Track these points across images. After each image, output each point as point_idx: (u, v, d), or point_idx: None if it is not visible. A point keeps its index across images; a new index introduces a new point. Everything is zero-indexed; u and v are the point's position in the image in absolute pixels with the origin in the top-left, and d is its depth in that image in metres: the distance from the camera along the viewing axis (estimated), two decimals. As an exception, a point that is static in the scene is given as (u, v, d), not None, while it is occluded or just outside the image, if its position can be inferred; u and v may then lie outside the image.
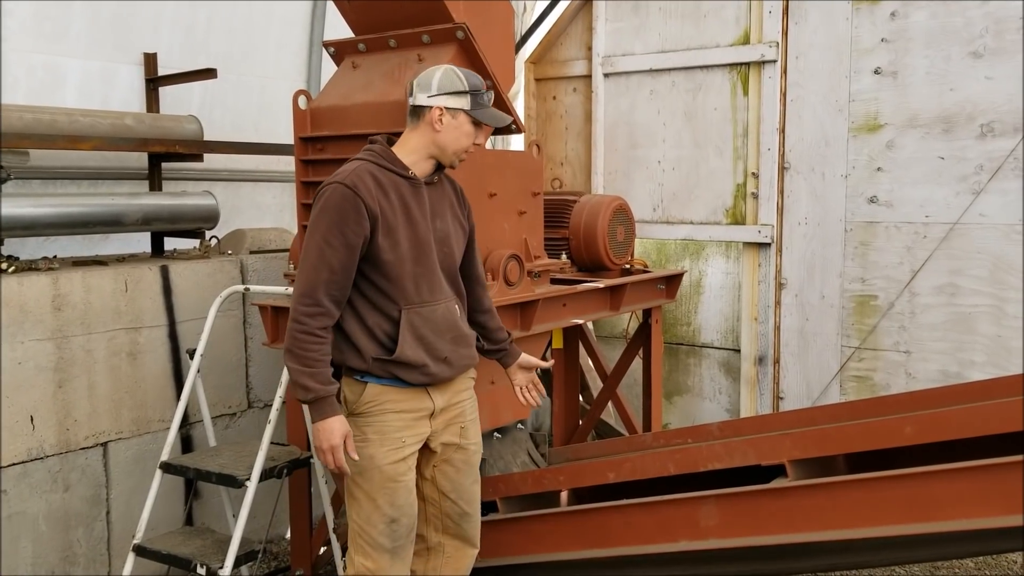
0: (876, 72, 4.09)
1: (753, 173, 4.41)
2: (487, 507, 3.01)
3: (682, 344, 4.64)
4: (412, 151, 2.43)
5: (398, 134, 2.52)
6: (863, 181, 4.14)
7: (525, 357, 2.76)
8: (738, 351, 4.48)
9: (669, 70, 4.60)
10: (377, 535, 2.41)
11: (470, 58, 3.15)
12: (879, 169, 4.10)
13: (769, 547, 2.52)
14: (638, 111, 4.74)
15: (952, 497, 2.26)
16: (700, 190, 4.59)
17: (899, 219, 4.07)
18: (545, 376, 4.21)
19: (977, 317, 3.89)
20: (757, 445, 2.59)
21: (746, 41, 4.40)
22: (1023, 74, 3.74)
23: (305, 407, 2.89)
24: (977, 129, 3.87)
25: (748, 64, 4.39)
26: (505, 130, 2.62)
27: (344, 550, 3.29)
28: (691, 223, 4.61)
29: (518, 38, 5.20)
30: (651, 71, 4.68)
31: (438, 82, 2.40)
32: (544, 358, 3.23)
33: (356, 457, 2.36)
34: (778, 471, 2.57)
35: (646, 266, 4.32)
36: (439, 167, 2.49)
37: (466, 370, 2.56)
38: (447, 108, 2.38)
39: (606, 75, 4.81)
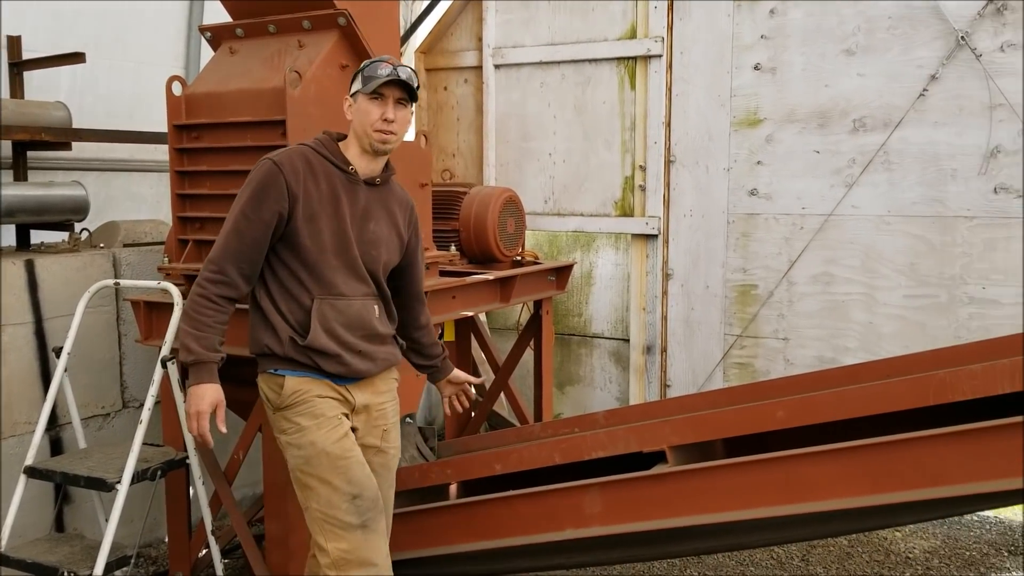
0: (756, 68, 4.21)
1: (641, 166, 4.48)
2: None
3: (574, 335, 4.69)
4: (349, 147, 2.42)
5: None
6: (744, 174, 4.26)
7: (456, 373, 2.77)
8: (627, 341, 4.56)
9: (559, 63, 4.63)
10: (343, 515, 2.31)
11: (352, 45, 3.09)
12: (759, 163, 4.23)
13: (651, 532, 2.56)
14: (529, 103, 4.75)
15: (821, 478, 2.34)
16: (590, 182, 4.64)
17: (778, 211, 4.21)
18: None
19: (850, 305, 4.06)
20: (639, 433, 2.63)
21: (633, 36, 4.46)
22: (891, 71, 3.92)
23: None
24: (850, 124, 4.03)
25: (635, 58, 4.46)
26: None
27: (224, 552, 3.19)
28: (581, 215, 4.66)
29: (407, 27, 5.14)
30: (541, 63, 4.69)
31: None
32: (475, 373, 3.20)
33: (224, 429, 2.29)
34: (660, 457, 2.62)
35: (537, 258, 4.34)
36: (388, 168, 2.47)
37: (387, 368, 2.50)
38: (350, 96, 2.40)
39: (497, 66, 4.80)
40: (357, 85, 2.36)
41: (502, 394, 4.17)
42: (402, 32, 5.14)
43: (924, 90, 3.87)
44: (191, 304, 2.29)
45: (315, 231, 2.31)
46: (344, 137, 2.44)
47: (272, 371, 2.36)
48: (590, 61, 4.57)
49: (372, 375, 2.44)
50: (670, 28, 4.36)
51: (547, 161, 4.72)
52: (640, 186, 4.49)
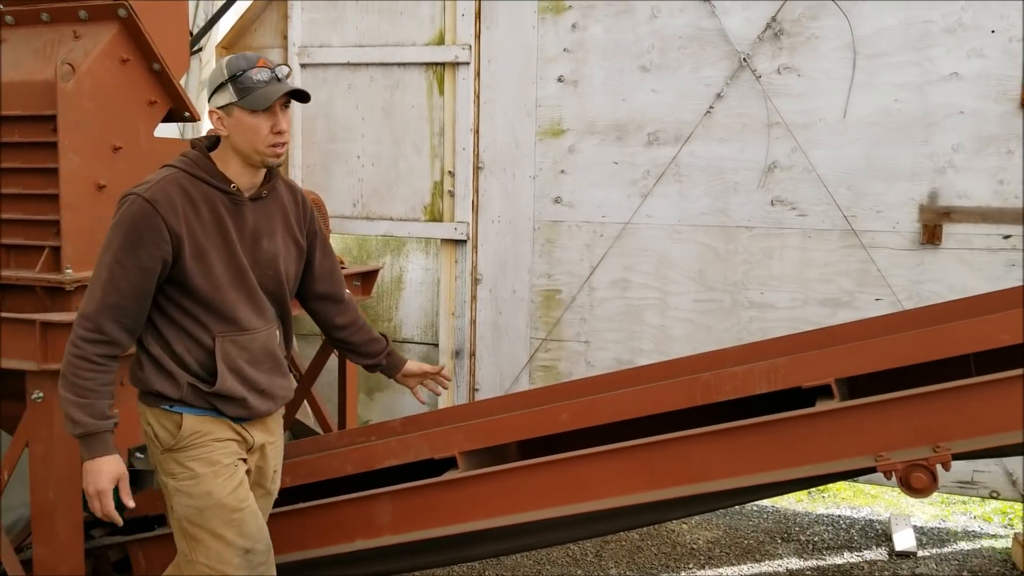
0: (560, 80, 4.34)
1: (450, 171, 4.51)
2: (144, 524, 2.84)
3: (382, 340, 4.68)
4: (226, 160, 2.14)
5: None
6: (549, 182, 4.39)
7: (410, 366, 2.65)
8: (437, 345, 4.58)
9: (367, 65, 4.58)
10: (233, 570, 2.13)
11: (134, 39, 2.93)
12: (563, 172, 4.37)
13: (444, 538, 2.58)
14: (337, 104, 4.68)
15: (602, 477, 2.44)
16: (399, 187, 4.63)
17: (580, 219, 4.35)
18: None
19: (645, 309, 4.26)
20: (431, 439, 2.65)
21: (441, 42, 4.48)
22: (682, 89, 4.15)
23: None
24: (645, 137, 4.23)
25: (443, 64, 4.49)
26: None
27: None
28: (391, 219, 4.63)
29: (207, 20, 4.93)
30: (349, 65, 4.63)
31: (208, 82, 2.15)
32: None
33: (132, 504, 2.09)
34: (453, 463, 2.64)
35: (343, 262, 4.27)
36: (270, 174, 2.23)
37: (284, 403, 2.35)
38: (218, 108, 2.10)
39: (303, 66, 4.69)
40: (228, 96, 2.06)
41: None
42: (202, 24, 4.93)
43: (711, 107, 4.12)
44: (68, 367, 2.04)
45: (206, 267, 2.09)
46: (215, 145, 2.17)
47: (167, 407, 2.15)
48: (399, 65, 4.56)
49: (271, 414, 2.30)
50: (478, 36, 4.42)
51: (355, 164, 4.66)
52: (449, 191, 4.52)
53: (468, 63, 4.42)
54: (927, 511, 4.02)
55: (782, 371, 2.32)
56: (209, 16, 4.96)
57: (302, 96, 2.14)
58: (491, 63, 4.43)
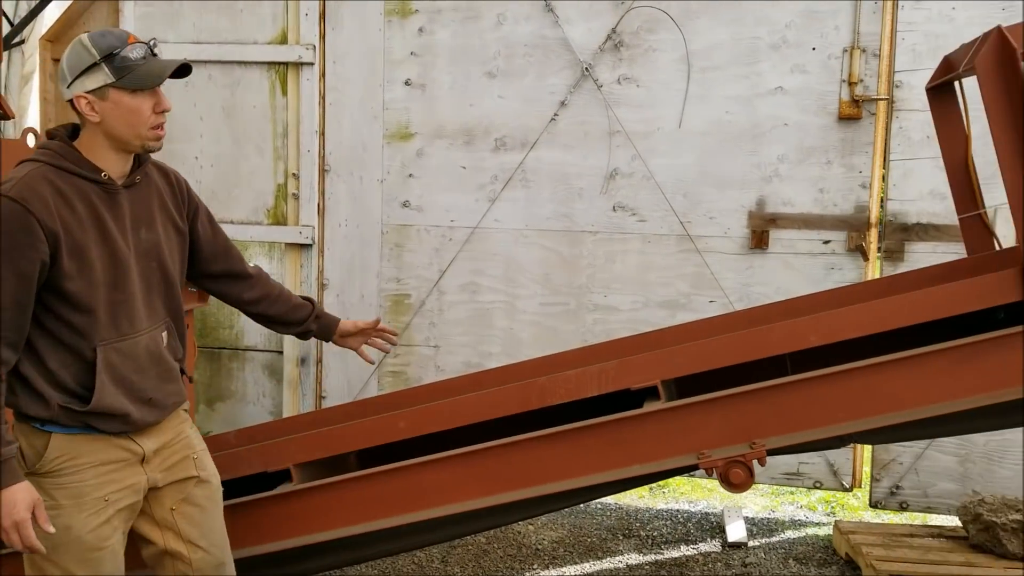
0: (407, 83, 4.31)
1: (294, 174, 4.40)
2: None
3: (224, 348, 4.50)
4: (94, 148, 1.95)
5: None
6: (397, 186, 4.35)
7: (344, 325, 2.54)
8: (281, 353, 4.46)
9: (205, 62, 4.40)
10: None
11: (-67, 27, 2.70)
12: (411, 175, 4.34)
13: (277, 553, 2.51)
14: (174, 103, 4.45)
15: (440, 484, 2.45)
16: (241, 189, 4.48)
17: (429, 223, 4.34)
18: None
19: (493, 312, 4.29)
20: (264, 452, 2.57)
21: (284, 41, 4.37)
22: (528, 96, 4.21)
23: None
24: (492, 142, 4.27)
25: (287, 64, 4.37)
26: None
27: None
28: (232, 223, 4.47)
29: (29, 9, 4.61)
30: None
31: (68, 66, 1.93)
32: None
33: (51, 530, 1.87)
34: (289, 476, 2.57)
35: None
36: (140, 158, 2.04)
37: (175, 409, 2.15)
38: (88, 92, 1.90)
39: (137, 62, 4.46)
40: (103, 78, 1.88)
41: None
42: (24, 15, 4.61)
43: (555, 115, 4.20)
44: None
45: (84, 267, 1.91)
46: (76, 133, 1.98)
47: (37, 425, 1.95)
48: (239, 63, 4.41)
49: (160, 422, 2.10)
50: (322, 37, 4.33)
51: (194, 165, 4.47)
52: (293, 194, 4.41)
53: (312, 64, 4.33)
54: (758, 502, 4.24)
55: (612, 374, 2.39)
56: (32, 6, 4.65)
57: (187, 70, 2.00)
58: (336, 64, 4.35)
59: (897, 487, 3.92)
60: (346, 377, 4.43)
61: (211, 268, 2.31)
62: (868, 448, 4.04)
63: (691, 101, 4.09)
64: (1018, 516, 3.27)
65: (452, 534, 2.98)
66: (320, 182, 4.40)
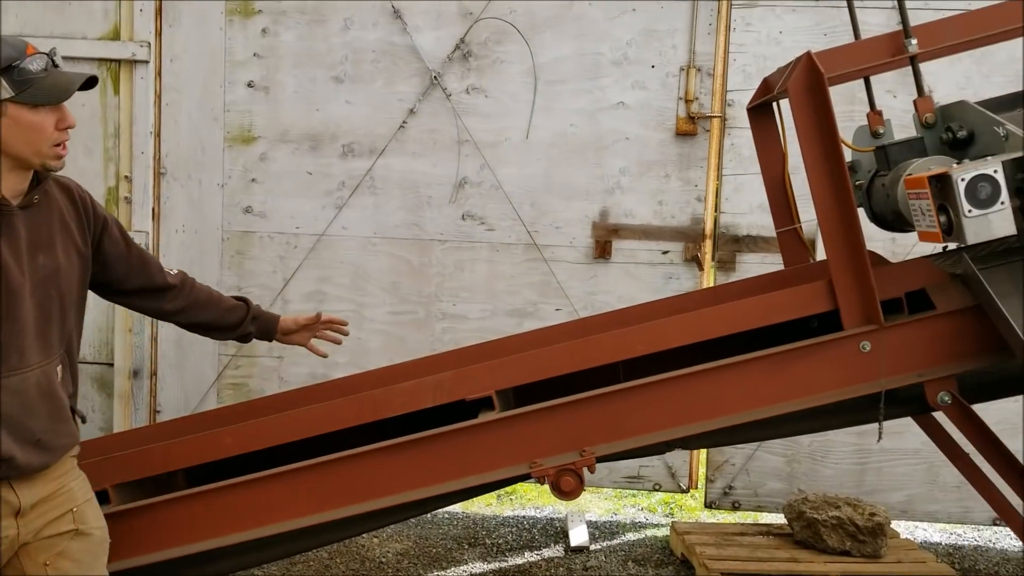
0: (250, 85, 4.18)
1: (126, 177, 4.18)
2: None
3: (48, 361, 4.23)
4: None
5: None
6: (239, 191, 4.20)
7: (285, 323, 2.42)
8: (112, 365, 4.21)
9: (27, 56, 4.11)
10: None
11: None
12: (253, 180, 4.20)
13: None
14: (-9, 98, 4.16)
15: (274, 501, 2.37)
16: (68, 191, 4.20)
17: (272, 229, 4.21)
18: None
19: (340, 322, 4.20)
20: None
21: (116, 37, 4.14)
22: (376, 102, 4.16)
23: None
24: (340, 148, 4.19)
25: (119, 61, 4.14)
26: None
27: None
28: (58, 227, 4.19)
29: None
30: (6, 54, 4.14)
31: None
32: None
33: None
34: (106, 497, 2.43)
35: None
36: (38, 176, 1.85)
37: (66, 452, 1.94)
38: None
39: (-51, 52, 4.12)
40: (1, 92, 1.73)
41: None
42: None
43: (404, 122, 4.17)
44: None
45: None
46: None
47: None
48: (66, 59, 4.13)
49: (48, 467, 1.89)
50: (158, 34, 4.14)
51: (14, 165, 4.17)
52: (126, 198, 4.18)
53: (147, 62, 4.12)
54: (602, 506, 4.35)
55: (448, 385, 2.38)
56: None
57: (94, 82, 1.88)
58: (174, 63, 4.16)
59: (730, 487, 4.10)
60: (183, 390, 4.23)
61: (127, 284, 2.17)
62: (704, 450, 4.22)
63: (538, 113, 4.15)
64: (837, 513, 3.47)
65: (290, 550, 2.89)
66: (155, 186, 4.19)
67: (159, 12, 4.14)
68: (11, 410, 1.80)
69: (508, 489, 4.28)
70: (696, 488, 4.16)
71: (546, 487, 2.29)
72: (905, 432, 3.50)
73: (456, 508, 4.10)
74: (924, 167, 2.08)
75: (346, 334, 2.57)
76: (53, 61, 1.82)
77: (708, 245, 4.14)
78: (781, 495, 4.03)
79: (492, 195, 4.18)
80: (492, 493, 4.06)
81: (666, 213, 4.15)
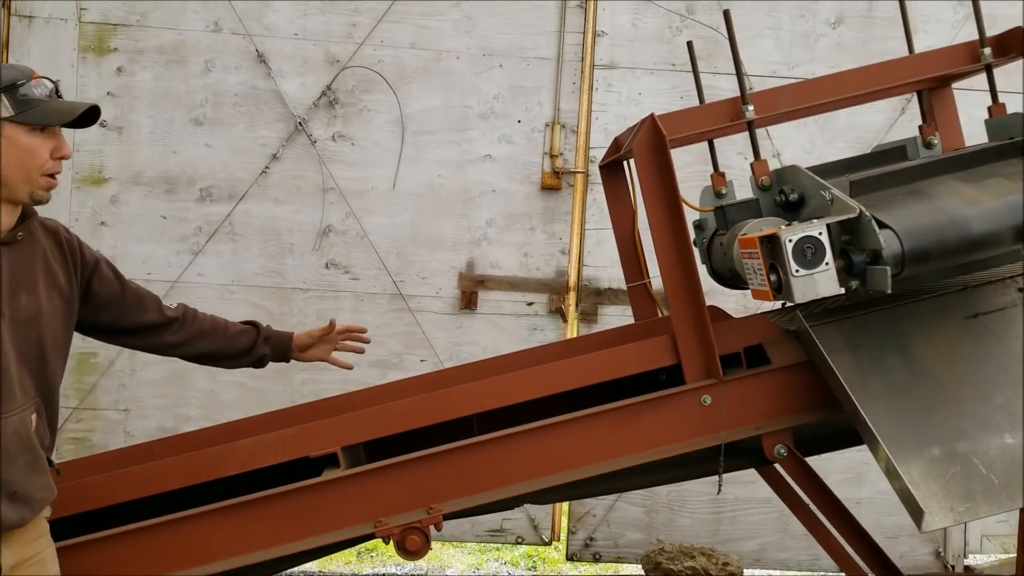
0: (102, 125, 4.00)
1: (-40, 216, 3.91)
2: None
3: None
4: None
5: None
6: (86, 234, 3.98)
7: (300, 339, 2.32)
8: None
9: None
10: None
11: None
12: (103, 223, 4.01)
13: None
14: None
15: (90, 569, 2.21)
16: None
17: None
18: None
19: (193, 373, 4.03)
20: None
21: (-46, 68, 3.90)
22: (237, 146, 4.05)
23: None
24: (197, 192, 4.05)
25: (-44, 94, 3.90)
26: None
27: None
28: None
29: None
30: None
31: None
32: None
33: None
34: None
35: None
36: (25, 212, 1.78)
37: (43, 506, 1.84)
38: None
39: None
40: (1, 110, 1.67)
41: None
42: None
43: (267, 167, 4.08)
44: None
45: None
46: None
47: None
48: None
49: (25, 523, 1.77)
50: (2, 67, 3.92)
51: None
52: (-41, 240, 3.91)
53: (-11, 96, 3.89)
54: (464, 560, 4.28)
55: (290, 442, 2.29)
56: None
57: (96, 114, 1.80)
58: (19, 98, 3.95)
59: (591, 539, 4.12)
60: (17, 446, 3.94)
61: (124, 323, 2.11)
62: (566, 503, 4.22)
63: (405, 163, 4.15)
64: (692, 563, 3.53)
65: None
66: None
67: (5, 45, 3.93)
68: None
69: (368, 545, 4.16)
70: (558, 540, 4.16)
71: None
72: (758, 481, 3.56)
73: (312, 566, 3.94)
74: (757, 227, 2.17)
75: (367, 342, 2.47)
76: (57, 91, 1.78)
77: (572, 297, 4.20)
78: (640, 545, 4.07)
79: (357, 244, 4.13)
80: (351, 549, 3.93)
81: (531, 265, 4.19)
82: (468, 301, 4.16)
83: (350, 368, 2.44)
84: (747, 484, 3.90)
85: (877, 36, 4.15)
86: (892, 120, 4.14)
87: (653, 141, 2.29)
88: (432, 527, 2.24)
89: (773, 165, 2.39)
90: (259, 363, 2.36)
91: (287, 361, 2.39)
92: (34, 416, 1.82)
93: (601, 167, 2.83)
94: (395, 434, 2.36)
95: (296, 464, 2.32)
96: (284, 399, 4.04)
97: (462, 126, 4.16)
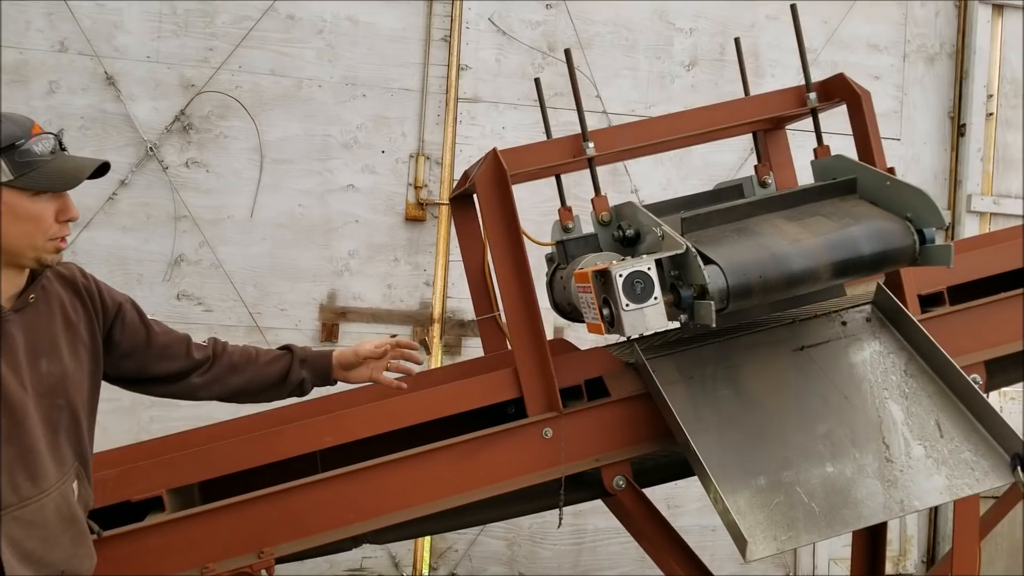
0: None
1: None
2: None
3: None
4: None
5: None
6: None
7: (343, 356, 2.05)
8: None
9: None
10: None
11: None
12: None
13: None
14: None
15: None
16: None
17: (150, 319, 3.74)
18: None
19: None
20: None
21: None
22: None
23: None
24: None
25: None
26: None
27: None
28: None
29: None
30: None
31: None
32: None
33: None
34: None
35: None
36: (34, 272, 1.64)
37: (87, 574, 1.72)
38: None
39: None
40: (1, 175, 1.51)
41: None
42: None
43: (115, 193, 3.90)
44: None
45: None
46: None
47: None
48: None
49: None
50: None
51: None
52: None
53: None
54: (323, 603, 4.14)
55: (110, 484, 2.16)
56: None
57: (106, 169, 1.64)
58: None
59: (453, 575, 4.06)
60: None
61: (148, 373, 1.88)
62: (428, 538, 4.15)
63: (264, 191, 4.04)
64: (550, 594, 3.53)
65: None
66: None
67: None
68: (31, 545, 1.59)
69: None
70: (420, 577, 4.08)
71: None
72: (614, 512, 3.65)
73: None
74: (592, 262, 2.20)
75: (419, 362, 2.20)
76: (60, 144, 1.61)
77: (436, 329, 4.17)
78: (503, 580, 4.05)
79: (212, 274, 3.99)
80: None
81: (395, 296, 4.14)
82: (329, 333, 4.07)
83: (404, 389, 2.16)
84: (607, 514, 3.92)
85: (728, 79, 4.34)
86: (743, 159, 4.31)
87: (495, 175, 2.30)
88: (264, 572, 2.15)
89: (632, 200, 2.44)
90: (300, 390, 2.11)
91: (331, 384, 2.15)
92: (75, 484, 1.71)
93: (451, 199, 2.83)
94: (244, 472, 2.27)
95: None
96: (130, 436, 3.84)
97: (324, 155, 4.10)
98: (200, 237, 3.97)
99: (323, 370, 2.10)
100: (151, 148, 3.93)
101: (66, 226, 1.63)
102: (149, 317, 1.90)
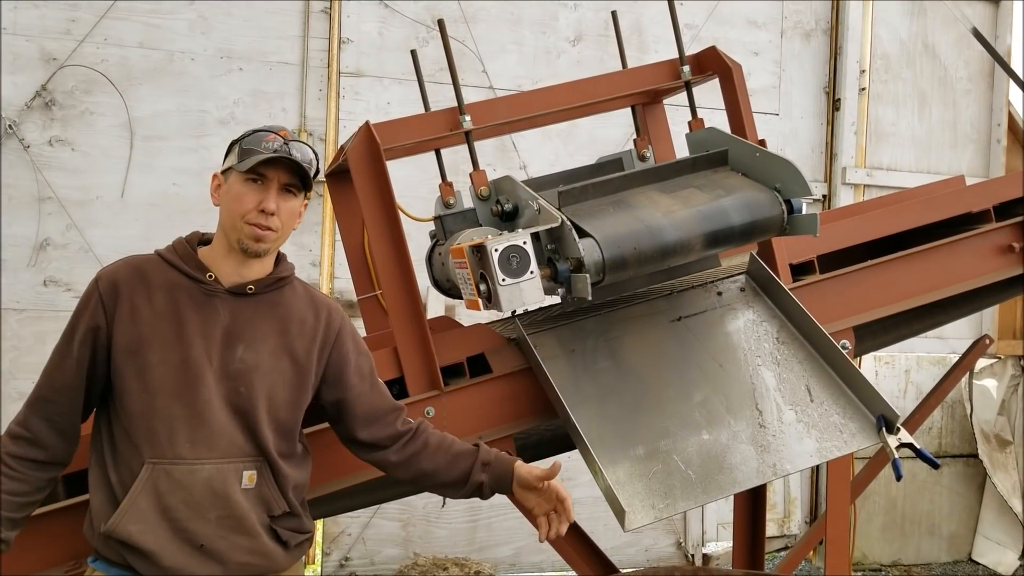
0: None
1: None
2: None
3: None
4: (214, 249, 1.79)
5: None
6: None
7: (523, 471, 1.90)
8: None
9: None
10: None
11: None
12: None
13: None
14: None
15: None
16: None
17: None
18: None
19: None
20: None
21: None
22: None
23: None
24: None
25: None
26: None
27: None
28: None
29: None
30: None
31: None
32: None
33: None
34: None
35: None
36: (278, 270, 1.82)
37: (244, 572, 1.72)
38: (219, 174, 1.80)
39: None
40: (231, 159, 1.77)
41: None
42: None
43: (-31, 174, 3.65)
44: None
45: (142, 367, 1.69)
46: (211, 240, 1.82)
47: (91, 560, 1.74)
48: None
49: None
50: None
51: None
52: None
53: None
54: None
55: None
56: None
57: (300, 173, 1.75)
58: None
59: (347, 559, 4.00)
60: None
61: (356, 434, 1.90)
62: (320, 522, 4.08)
63: (135, 170, 3.86)
64: (444, 574, 3.51)
65: None
66: None
67: None
68: (171, 502, 1.67)
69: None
70: (313, 563, 4.00)
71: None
72: (508, 488, 3.65)
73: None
74: (468, 237, 2.17)
75: (562, 533, 1.97)
76: (287, 146, 1.75)
77: (323, 310, 4.07)
78: (398, 560, 4.01)
79: (81, 258, 3.79)
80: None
81: (279, 278, 4.02)
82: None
83: (550, 539, 2.00)
84: (501, 491, 3.97)
85: (613, 54, 4.34)
86: (629, 134, 4.33)
87: (368, 149, 2.24)
88: None
89: (520, 177, 2.41)
90: (477, 493, 1.96)
91: (509, 494, 1.98)
92: (248, 475, 1.73)
93: (327, 176, 2.75)
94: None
95: None
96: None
97: (200, 132, 3.93)
98: (67, 219, 3.76)
99: (503, 480, 1.96)
100: (10, 125, 3.69)
101: (263, 216, 1.73)
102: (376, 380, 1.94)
